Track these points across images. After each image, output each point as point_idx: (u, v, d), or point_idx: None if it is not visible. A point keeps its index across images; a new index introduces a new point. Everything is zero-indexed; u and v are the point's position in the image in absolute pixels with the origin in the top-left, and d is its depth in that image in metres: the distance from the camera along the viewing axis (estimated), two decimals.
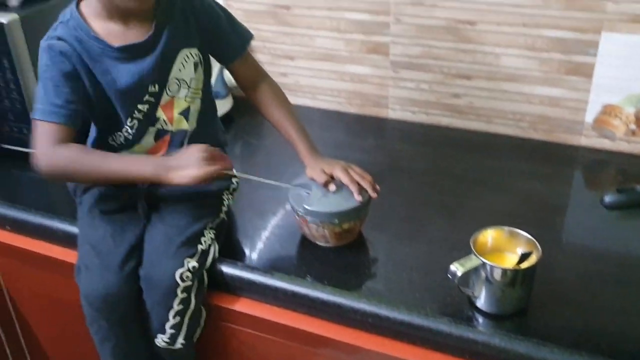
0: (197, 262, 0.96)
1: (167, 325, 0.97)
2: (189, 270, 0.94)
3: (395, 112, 1.50)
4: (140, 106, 0.99)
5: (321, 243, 1.05)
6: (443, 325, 0.89)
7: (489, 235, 0.91)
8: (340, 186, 1.02)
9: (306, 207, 1.00)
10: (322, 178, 1.02)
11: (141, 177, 0.96)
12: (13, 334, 1.36)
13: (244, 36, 1.11)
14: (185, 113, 1.04)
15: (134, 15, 0.96)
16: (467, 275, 0.87)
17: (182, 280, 0.94)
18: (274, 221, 1.14)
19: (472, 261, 0.86)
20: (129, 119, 1.00)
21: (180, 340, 0.99)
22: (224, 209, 1.08)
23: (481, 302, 0.89)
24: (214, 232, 1.02)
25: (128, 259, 0.97)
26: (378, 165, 1.33)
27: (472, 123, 1.43)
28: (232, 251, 1.06)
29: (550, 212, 1.15)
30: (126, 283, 0.96)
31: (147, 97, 0.99)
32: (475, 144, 1.40)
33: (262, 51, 1.54)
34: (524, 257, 0.88)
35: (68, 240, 1.11)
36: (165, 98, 1.01)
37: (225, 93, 1.51)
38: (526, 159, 1.34)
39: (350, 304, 0.94)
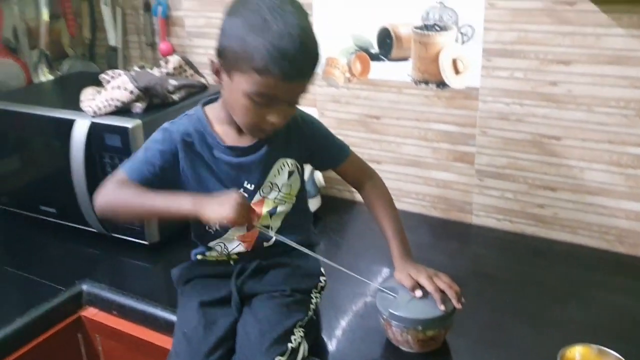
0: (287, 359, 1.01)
1: None
2: None
3: (479, 219, 1.54)
4: None
5: (404, 348, 1.08)
6: None
7: (577, 352, 0.92)
8: (435, 291, 1.06)
9: (391, 311, 1.05)
10: (409, 283, 1.07)
11: (181, 211, 1.03)
12: None
13: (343, 144, 1.22)
14: (272, 211, 1.13)
15: None
16: None
17: None
18: (360, 321, 1.18)
19: None
20: None
21: None
22: (312, 307, 1.14)
23: None
24: (304, 330, 1.08)
25: (215, 350, 1.03)
26: (461, 270, 1.37)
27: (556, 233, 1.45)
28: (317, 349, 1.10)
29: (639, 329, 1.14)
30: None
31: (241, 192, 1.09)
32: (560, 255, 1.41)
33: None
34: None
35: (167, 328, 1.19)
36: (257, 197, 1.11)
37: (314, 193, 1.60)
38: (612, 272, 1.34)
39: None
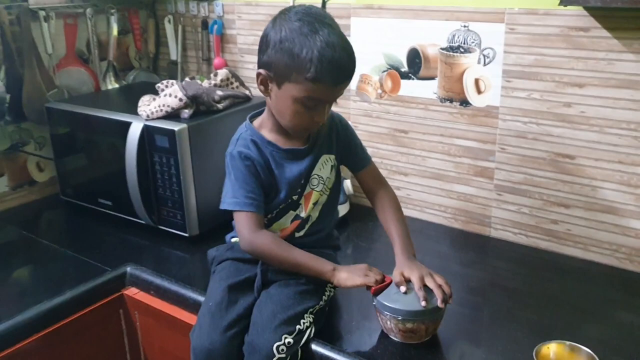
0: (292, 339, 1.13)
1: None
2: (284, 344, 1.11)
3: (497, 232, 1.61)
4: (294, 196, 1.26)
5: (391, 336, 1.17)
6: None
7: (550, 349, 0.99)
8: (419, 289, 1.15)
9: (379, 299, 1.15)
10: (397, 278, 1.17)
11: (320, 273, 1.19)
12: None
13: (368, 154, 1.37)
14: (315, 202, 1.28)
15: None
16: None
17: (278, 352, 1.11)
18: (369, 313, 1.28)
19: None
20: (283, 204, 1.25)
21: None
22: (325, 298, 1.25)
23: None
24: (313, 317, 1.19)
25: (233, 325, 1.16)
26: (476, 280, 1.45)
27: (569, 249, 1.51)
28: (328, 334, 1.21)
29: None
30: (228, 344, 1.14)
31: (299, 189, 1.25)
32: (571, 270, 1.46)
33: (380, 166, 1.73)
34: None
35: (197, 308, 1.31)
36: (307, 190, 1.27)
37: (343, 200, 1.72)
38: (622, 289, 1.38)
39: None
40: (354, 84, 1.74)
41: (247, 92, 1.74)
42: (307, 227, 1.30)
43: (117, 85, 2.07)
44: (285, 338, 1.12)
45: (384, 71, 1.69)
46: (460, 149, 1.61)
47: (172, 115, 1.57)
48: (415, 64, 1.63)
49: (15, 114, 1.84)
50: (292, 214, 1.28)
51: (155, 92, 1.65)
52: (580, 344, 1.06)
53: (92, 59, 2.03)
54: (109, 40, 2.05)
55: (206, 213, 1.59)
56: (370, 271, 1.18)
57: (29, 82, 1.82)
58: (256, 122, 1.28)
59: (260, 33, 1.17)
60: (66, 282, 1.43)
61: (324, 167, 1.28)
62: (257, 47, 1.18)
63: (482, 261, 1.57)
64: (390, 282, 1.18)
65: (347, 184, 1.74)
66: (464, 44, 1.53)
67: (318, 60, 1.08)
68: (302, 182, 1.25)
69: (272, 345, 1.11)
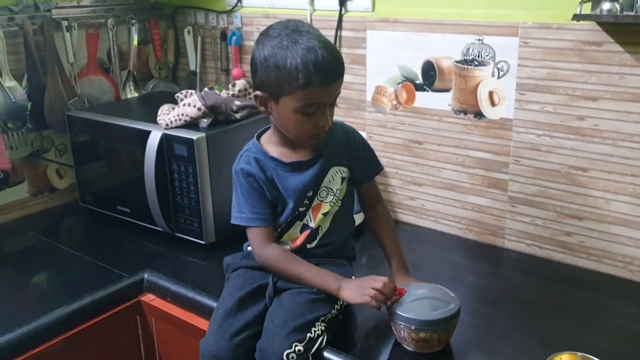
0: (303, 347, 1.14)
1: None
2: (295, 352, 1.13)
3: (510, 243, 1.62)
4: (301, 208, 1.28)
5: (404, 345, 1.19)
6: None
7: None
8: (433, 297, 1.17)
9: (392, 308, 1.16)
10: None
11: (326, 288, 1.22)
12: None
13: (376, 168, 1.39)
14: (325, 213, 1.30)
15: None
16: None
17: (288, 359, 1.12)
18: (384, 322, 1.28)
19: None
20: (290, 216, 1.28)
21: None
22: (337, 307, 1.26)
23: None
24: (325, 325, 1.21)
25: (241, 332, 1.18)
26: (490, 291, 1.46)
27: (582, 261, 1.51)
28: (341, 342, 1.22)
29: None
30: (234, 351, 1.16)
31: (306, 201, 1.28)
32: (584, 282, 1.47)
33: (395, 177, 1.78)
34: None
35: (211, 314, 1.35)
36: (315, 201, 1.29)
37: (358, 209, 1.73)
38: (634, 301, 1.38)
39: None
40: (369, 95, 1.76)
41: None
42: (318, 237, 1.31)
43: (136, 95, 2.11)
44: (296, 346, 1.14)
45: (399, 83, 1.71)
46: (475, 161, 1.62)
47: (191, 124, 1.60)
48: (430, 76, 1.65)
49: (37, 121, 1.88)
50: (299, 224, 1.30)
51: (175, 102, 1.69)
52: (593, 356, 1.07)
53: (113, 69, 2.07)
54: (130, 50, 2.09)
55: (223, 221, 1.61)
56: (375, 281, 1.18)
57: (51, 90, 1.87)
58: (263, 139, 1.31)
59: None
60: (85, 287, 1.46)
61: (334, 179, 1.30)
62: None
63: (496, 272, 1.57)
64: (403, 294, 1.19)
65: None
66: (479, 57, 1.55)
67: (303, 67, 1.12)
68: (310, 193, 1.28)
69: (283, 353, 1.13)
